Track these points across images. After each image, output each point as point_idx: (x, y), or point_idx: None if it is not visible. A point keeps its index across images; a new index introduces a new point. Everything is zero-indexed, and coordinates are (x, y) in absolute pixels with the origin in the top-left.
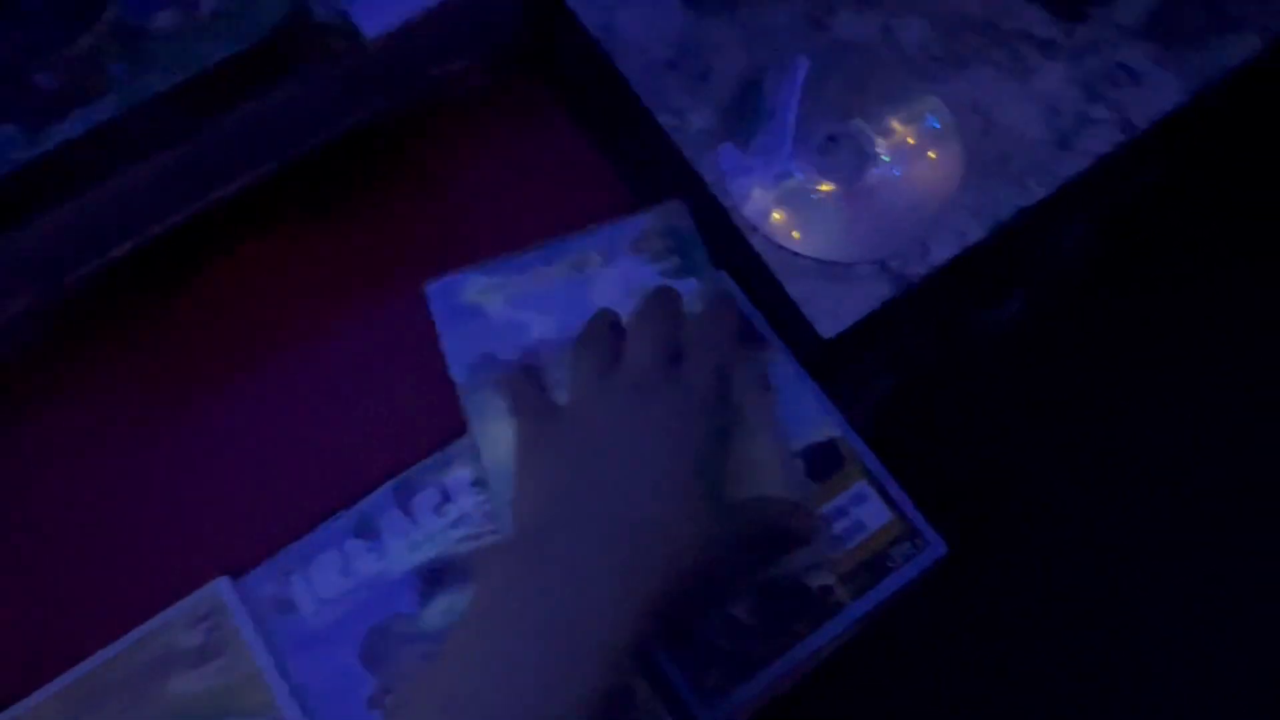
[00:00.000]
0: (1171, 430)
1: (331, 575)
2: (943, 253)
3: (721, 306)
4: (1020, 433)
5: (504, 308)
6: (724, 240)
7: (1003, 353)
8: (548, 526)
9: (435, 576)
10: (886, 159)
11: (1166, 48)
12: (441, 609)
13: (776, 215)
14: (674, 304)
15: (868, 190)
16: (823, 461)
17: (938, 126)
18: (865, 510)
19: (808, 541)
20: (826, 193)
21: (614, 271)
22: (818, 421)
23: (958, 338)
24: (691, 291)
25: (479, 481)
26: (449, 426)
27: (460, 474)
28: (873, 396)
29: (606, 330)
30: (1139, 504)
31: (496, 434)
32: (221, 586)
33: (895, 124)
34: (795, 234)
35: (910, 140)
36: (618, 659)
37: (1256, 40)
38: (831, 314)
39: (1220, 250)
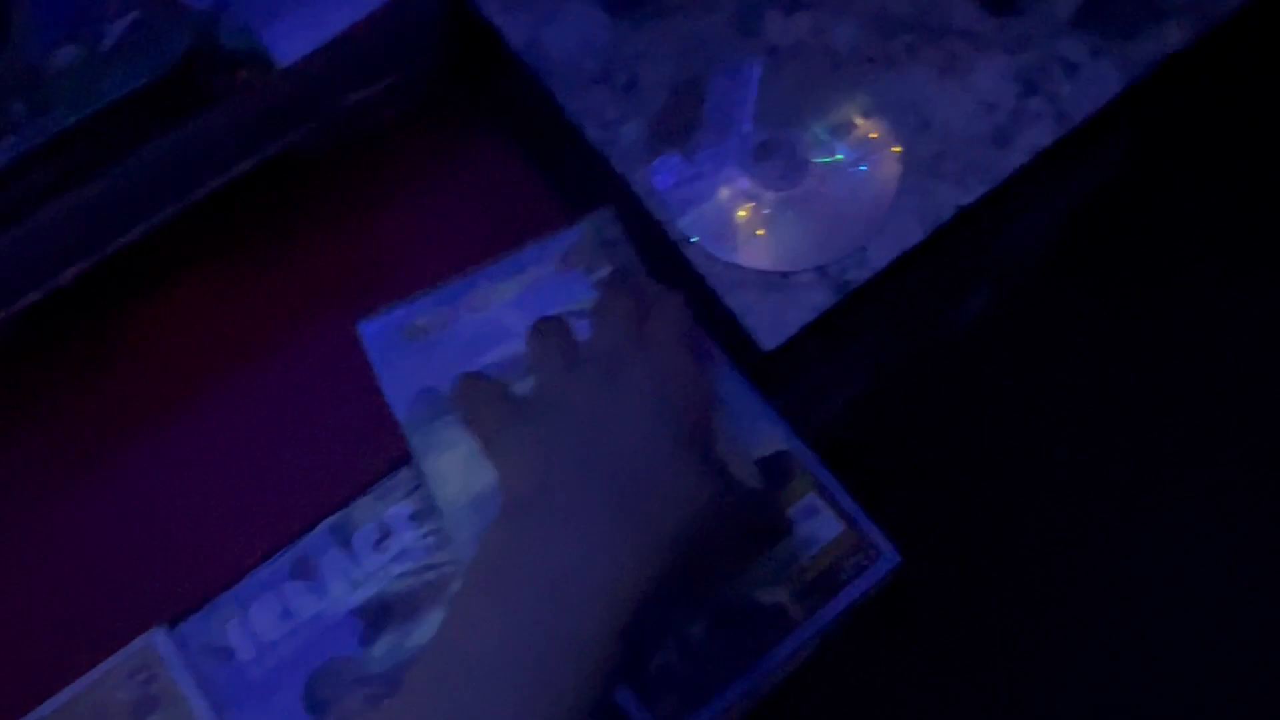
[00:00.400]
0: (1140, 426)
1: (270, 619)
2: (882, 257)
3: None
4: (990, 431)
5: (440, 339)
6: (660, 254)
7: (971, 351)
8: (540, 496)
9: (377, 615)
10: (841, 157)
11: (1101, 38)
12: (385, 648)
13: (713, 226)
14: (633, 284)
15: (805, 197)
16: (771, 475)
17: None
18: (816, 523)
19: (787, 533)
20: (764, 201)
21: (548, 288)
22: (765, 434)
23: (925, 338)
24: None
25: (419, 515)
26: (385, 460)
27: (399, 508)
28: (838, 401)
29: (559, 323)
30: (1110, 502)
31: (447, 467)
32: (157, 637)
33: (857, 119)
34: (733, 244)
35: (873, 135)
36: (625, 612)
37: (1191, 26)
38: (772, 325)
39: (1190, 243)
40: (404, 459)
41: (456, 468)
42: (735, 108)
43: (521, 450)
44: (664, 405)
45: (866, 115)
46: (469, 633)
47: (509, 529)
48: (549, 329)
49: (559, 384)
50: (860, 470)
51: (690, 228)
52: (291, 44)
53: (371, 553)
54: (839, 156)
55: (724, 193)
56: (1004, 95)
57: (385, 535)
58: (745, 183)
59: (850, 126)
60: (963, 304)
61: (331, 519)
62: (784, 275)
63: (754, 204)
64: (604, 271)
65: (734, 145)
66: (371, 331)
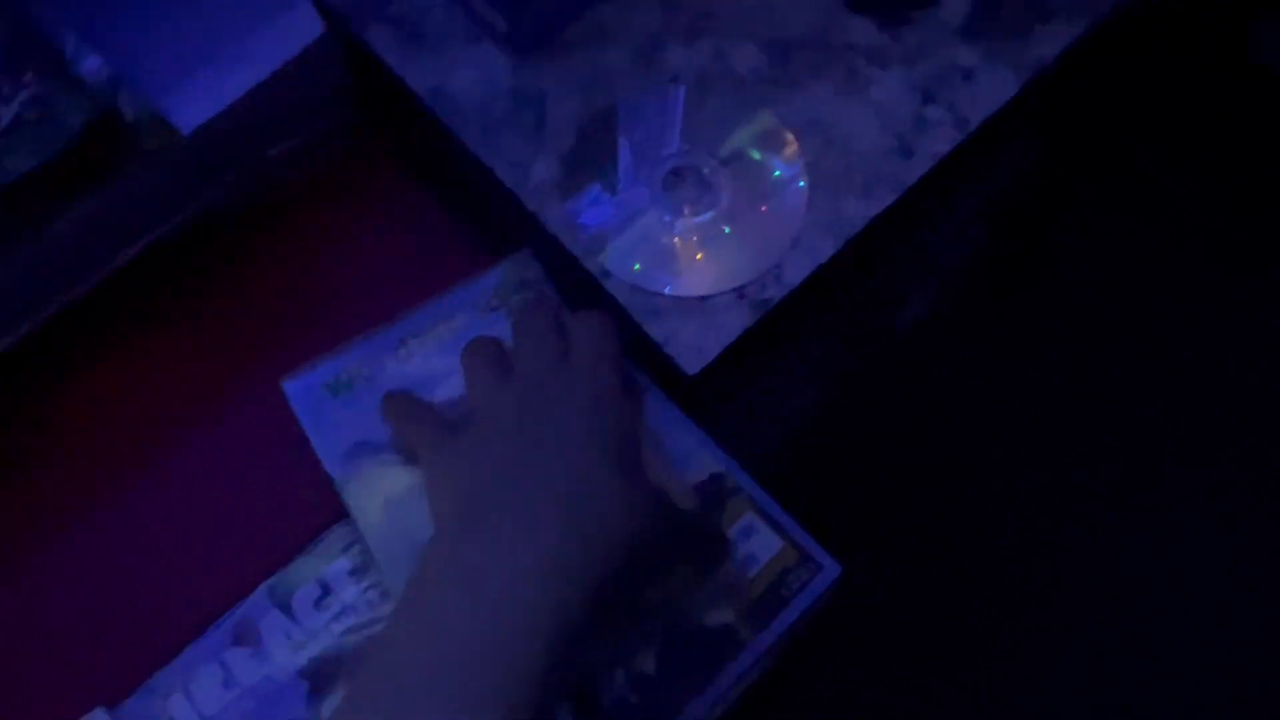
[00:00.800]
0: (1096, 423)
1: (213, 689)
2: (797, 273)
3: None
4: (946, 435)
5: (366, 391)
6: (580, 289)
7: (919, 358)
8: (471, 515)
9: (322, 675)
10: (780, 174)
11: (993, 42)
12: (333, 708)
13: (629, 257)
14: (552, 306)
15: (718, 221)
16: (708, 498)
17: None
18: (756, 542)
19: (727, 555)
20: (679, 227)
21: (472, 333)
22: (698, 458)
23: (867, 348)
24: None
25: (358, 570)
26: (320, 518)
27: (338, 564)
28: (786, 418)
29: (492, 343)
30: (1073, 498)
31: (382, 520)
32: (99, 719)
33: (789, 136)
34: (650, 273)
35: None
36: (558, 627)
37: (1079, 25)
38: (694, 350)
39: (1139, 237)
40: (339, 515)
41: (392, 520)
42: (652, 137)
43: (452, 469)
44: (593, 423)
45: (785, 132)
46: (402, 651)
47: (441, 548)
48: (480, 348)
49: (489, 403)
50: (817, 484)
51: (608, 260)
52: (194, 109)
53: (312, 612)
54: (777, 173)
55: (640, 223)
56: (904, 106)
57: (325, 593)
58: (660, 211)
59: (783, 143)
60: (900, 312)
61: (269, 581)
62: (702, 300)
63: (670, 231)
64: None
65: (652, 174)
66: (296, 389)
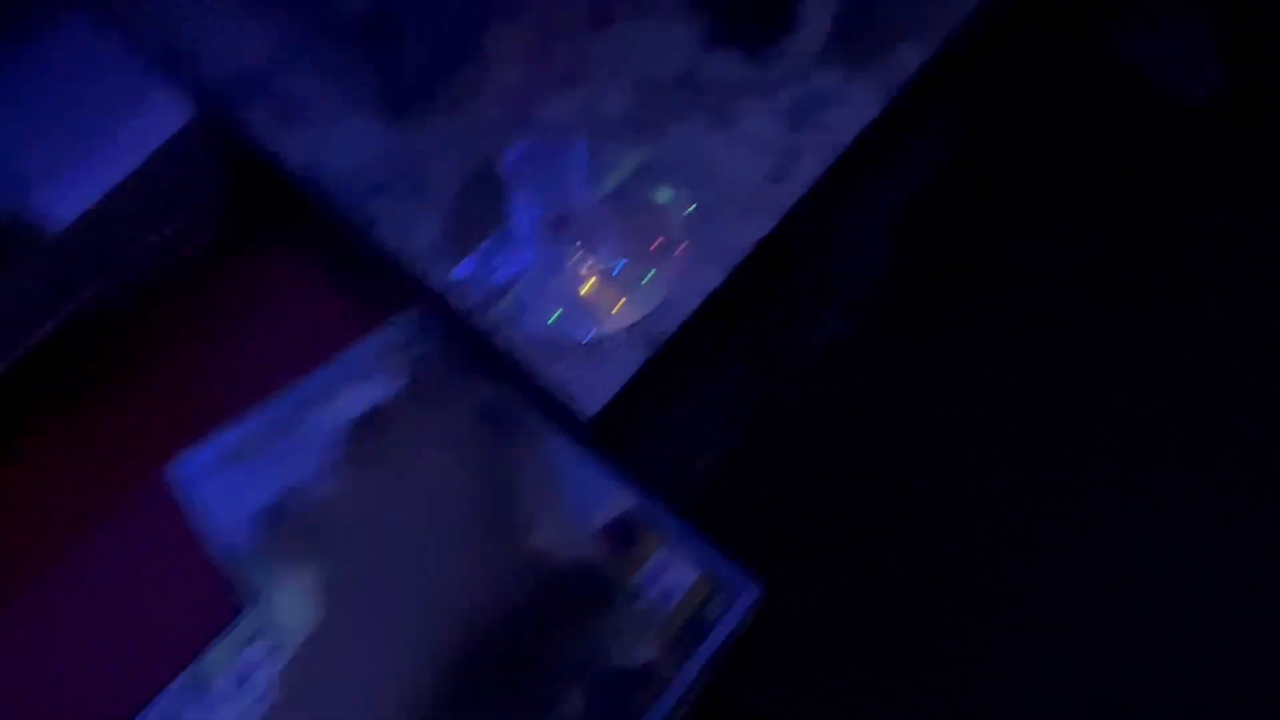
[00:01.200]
0: (1040, 421)
1: None
2: (687, 305)
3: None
4: (879, 447)
5: (254, 467)
6: (474, 343)
7: (840, 374)
8: (342, 620)
9: None
10: (694, 207)
11: (852, 65)
12: None
13: (522, 307)
14: (430, 374)
15: (607, 262)
16: (620, 536)
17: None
18: (672, 574)
19: (624, 595)
20: (570, 273)
21: (359, 396)
22: (606, 497)
23: (785, 369)
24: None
25: (275, 650)
26: (230, 603)
27: (254, 647)
28: (713, 447)
29: (363, 428)
30: (1018, 501)
31: (283, 588)
32: None
33: (666, 174)
34: (543, 320)
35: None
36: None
37: (934, 40)
38: (593, 390)
39: (1051, 232)
40: (248, 597)
41: (296, 592)
42: (542, 187)
43: (324, 571)
44: (462, 500)
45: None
46: None
47: (314, 652)
48: (350, 436)
49: (359, 495)
50: (747, 508)
51: (499, 314)
52: (60, 210)
53: (232, 699)
54: (659, 210)
55: (532, 273)
56: (774, 134)
57: (244, 679)
58: (549, 258)
59: (661, 181)
60: (815, 331)
61: (185, 674)
62: (597, 341)
63: (559, 277)
64: (417, 369)
65: (540, 224)
66: (181, 475)
